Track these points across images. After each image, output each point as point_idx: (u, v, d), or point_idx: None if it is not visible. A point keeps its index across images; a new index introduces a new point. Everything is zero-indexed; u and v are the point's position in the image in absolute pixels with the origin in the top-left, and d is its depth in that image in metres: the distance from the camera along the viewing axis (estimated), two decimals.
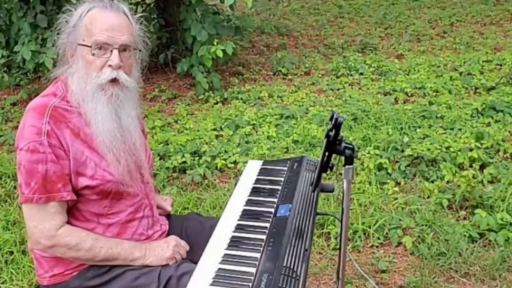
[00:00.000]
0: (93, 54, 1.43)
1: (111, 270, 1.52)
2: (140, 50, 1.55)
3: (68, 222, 1.49)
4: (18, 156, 1.42)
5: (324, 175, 1.60)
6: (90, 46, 1.42)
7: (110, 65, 1.43)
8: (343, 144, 1.42)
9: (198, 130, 4.08)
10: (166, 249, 1.56)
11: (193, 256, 1.59)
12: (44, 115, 1.41)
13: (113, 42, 1.43)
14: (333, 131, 1.38)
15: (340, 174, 1.50)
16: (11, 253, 2.64)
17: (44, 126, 1.39)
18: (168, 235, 1.71)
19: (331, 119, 1.39)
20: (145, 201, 1.61)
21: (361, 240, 2.72)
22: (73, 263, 1.52)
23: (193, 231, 1.71)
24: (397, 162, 3.44)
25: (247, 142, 3.85)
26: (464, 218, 2.87)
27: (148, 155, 1.67)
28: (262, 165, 1.84)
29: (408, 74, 5.30)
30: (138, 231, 1.59)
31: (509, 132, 3.81)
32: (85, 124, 1.46)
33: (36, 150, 1.38)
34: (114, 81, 1.45)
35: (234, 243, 1.40)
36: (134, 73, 1.54)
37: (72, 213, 1.50)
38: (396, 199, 3.03)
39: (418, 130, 3.88)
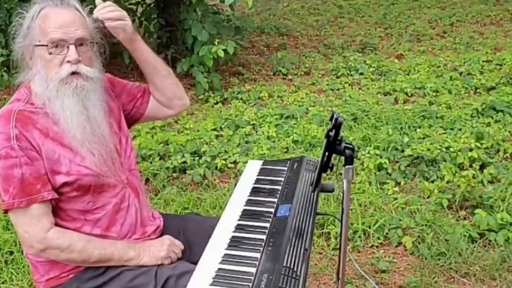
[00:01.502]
0: (51, 53, 1.43)
1: (107, 271, 1.52)
2: (97, 43, 1.54)
3: (56, 224, 1.48)
4: None
5: (324, 175, 1.60)
6: (47, 45, 1.42)
7: (68, 61, 1.43)
8: (343, 144, 1.42)
9: (198, 130, 4.08)
10: (160, 248, 1.56)
11: (192, 256, 1.59)
12: (9, 120, 1.41)
13: (68, 37, 1.43)
14: (333, 131, 1.38)
15: (340, 174, 1.50)
16: (11, 253, 2.64)
17: (12, 131, 1.39)
18: (165, 234, 1.71)
19: (331, 119, 1.39)
20: (128, 189, 1.59)
21: (361, 240, 2.72)
22: (68, 266, 1.51)
23: (191, 231, 1.70)
24: (397, 162, 3.44)
25: (247, 142, 3.85)
26: (464, 218, 2.87)
27: (129, 142, 1.66)
28: (262, 165, 1.84)
29: (408, 74, 5.30)
30: (127, 221, 1.58)
31: (509, 132, 3.81)
32: (53, 123, 1.45)
33: (8, 156, 1.38)
34: (75, 73, 1.45)
35: (234, 243, 1.40)
36: (96, 65, 1.53)
37: (57, 214, 1.49)
38: (396, 199, 3.03)
39: (418, 130, 3.88)
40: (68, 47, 1.43)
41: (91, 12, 1.54)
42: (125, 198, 1.58)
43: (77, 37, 1.44)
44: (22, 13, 1.50)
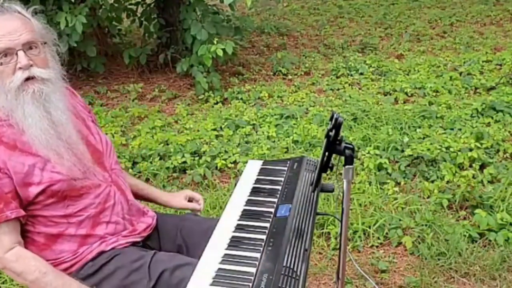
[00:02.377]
0: (1, 63, 1.40)
1: (100, 269, 1.52)
2: (45, 42, 1.50)
3: (39, 230, 1.48)
4: None
5: (324, 175, 1.60)
6: None
7: (20, 68, 1.40)
8: (343, 144, 1.42)
9: (198, 130, 4.08)
10: None
11: (190, 256, 1.59)
12: None
13: (14, 44, 1.39)
14: (333, 131, 1.38)
15: (340, 174, 1.50)
16: None
17: None
18: (164, 235, 1.71)
19: (331, 119, 1.39)
20: (112, 187, 1.58)
21: (361, 240, 2.72)
22: (62, 265, 1.51)
23: (189, 231, 1.70)
24: (397, 162, 3.44)
25: (247, 142, 3.85)
26: (464, 218, 2.87)
27: (104, 142, 1.64)
28: (262, 165, 1.84)
29: (408, 74, 5.30)
30: (112, 220, 1.57)
31: (509, 132, 3.81)
32: (20, 134, 1.43)
33: None
34: (30, 79, 1.42)
35: (234, 243, 1.40)
36: (53, 65, 1.50)
37: (40, 221, 1.48)
38: (396, 199, 3.03)
39: (418, 130, 3.88)
40: (16, 53, 1.40)
41: (36, 13, 1.50)
42: (110, 196, 1.57)
43: (23, 42, 1.41)
44: None
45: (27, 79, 1.42)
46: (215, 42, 4.71)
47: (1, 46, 1.39)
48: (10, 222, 1.42)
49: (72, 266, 1.53)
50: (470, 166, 3.32)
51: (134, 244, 1.61)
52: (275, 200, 1.59)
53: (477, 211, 2.76)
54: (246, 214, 1.54)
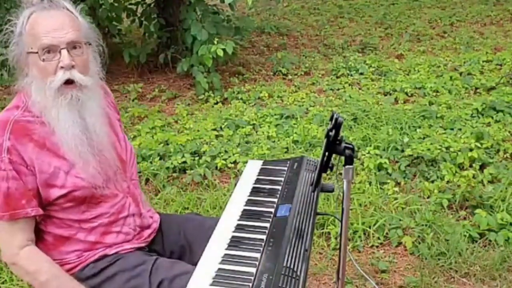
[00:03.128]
0: (43, 60, 1.38)
1: (102, 272, 1.52)
2: (90, 44, 1.49)
3: (50, 230, 1.48)
4: None
5: (324, 175, 1.60)
6: (38, 52, 1.38)
7: (62, 67, 1.39)
8: (343, 144, 1.42)
9: (198, 130, 4.07)
10: None
11: (192, 257, 1.59)
12: (5, 131, 1.38)
13: (59, 42, 1.38)
14: (333, 131, 1.38)
15: (340, 174, 1.50)
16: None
17: (4, 143, 1.37)
18: (166, 235, 1.70)
19: (331, 119, 1.39)
20: (128, 199, 1.58)
21: (361, 240, 2.72)
22: (65, 266, 1.51)
23: (192, 232, 1.70)
24: (397, 162, 3.44)
25: (247, 142, 3.85)
26: (464, 218, 2.87)
27: (129, 151, 1.63)
28: (262, 165, 1.84)
29: (408, 74, 5.30)
30: (124, 231, 1.57)
31: (509, 132, 3.81)
32: (51, 133, 1.43)
33: None
34: (70, 83, 1.41)
35: (234, 243, 1.40)
36: (92, 68, 1.49)
37: (53, 222, 1.48)
38: (396, 199, 3.03)
39: (418, 130, 3.88)
40: (60, 52, 1.38)
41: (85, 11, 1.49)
42: (125, 208, 1.57)
43: (68, 41, 1.39)
44: (12, 20, 1.45)
45: (67, 82, 1.41)
46: (215, 42, 4.71)
47: (45, 42, 1.37)
48: (28, 219, 1.43)
49: (75, 267, 1.53)
50: (470, 166, 3.31)
51: (138, 248, 1.61)
52: (275, 200, 1.58)
53: (477, 211, 2.76)
54: (246, 214, 1.53)
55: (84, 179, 1.45)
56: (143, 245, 1.63)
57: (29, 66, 1.43)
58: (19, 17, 1.44)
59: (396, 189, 3.15)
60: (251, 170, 1.81)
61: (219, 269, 1.29)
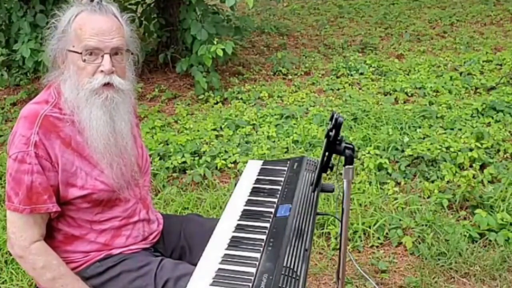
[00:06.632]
0: (84, 60, 1.39)
1: (107, 271, 1.52)
2: (132, 53, 1.50)
3: (60, 228, 1.48)
4: (7, 162, 1.41)
5: (324, 175, 1.60)
6: (81, 53, 1.39)
7: (102, 71, 1.40)
8: (343, 144, 1.42)
9: (198, 130, 4.08)
10: None
11: (193, 257, 1.59)
12: (34, 124, 1.39)
13: (104, 46, 1.39)
14: (333, 131, 1.38)
15: (340, 174, 1.50)
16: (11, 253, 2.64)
17: (33, 137, 1.37)
18: (167, 236, 1.70)
19: (331, 119, 1.39)
20: (139, 205, 1.59)
21: (361, 240, 2.72)
22: (70, 264, 1.51)
23: (193, 232, 1.70)
24: (397, 162, 3.44)
25: (247, 142, 3.85)
26: (464, 218, 2.87)
27: (145, 158, 1.65)
28: (262, 165, 1.84)
29: (408, 74, 5.30)
30: (133, 235, 1.58)
31: (509, 132, 3.81)
32: (77, 132, 1.43)
33: (23, 161, 1.37)
34: (107, 85, 1.42)
35: (234, 243, 1.40)
36: (128, 76, 1.50)
37: (66, 220, 1.49)
38: (396, 199, 3.03)
39: (418, 130, 3.87)
40: (102, 56, 1.39)
41: (131, 21, 1.49)
42: (136, 213, 1.58)
43: (112, 46, 1.40)
44: (58, 14, 1.45)
45: (105, 84, 1.41)
46: (215, 42, 4.71)
47: (90, 44, 1.38)
48: (44, 215, 1.43)
49: (80, 265, 1.53)
50: (470, 166, 3.31)
51: (144, 249, 1.62)
52: (275, 200, 1.58)
53: (477, 211, 2.76)
54: (246, 214, 1.53)
55: (103, 182, 1.46)
56: (148, 246, 1.63)
57: (67, 63, 1.43)
58: (66, 13, 1.44)
59: (396, 189, 3.15)
60: (251, 170, 1.81)
61: (219, 269, 1.29)
